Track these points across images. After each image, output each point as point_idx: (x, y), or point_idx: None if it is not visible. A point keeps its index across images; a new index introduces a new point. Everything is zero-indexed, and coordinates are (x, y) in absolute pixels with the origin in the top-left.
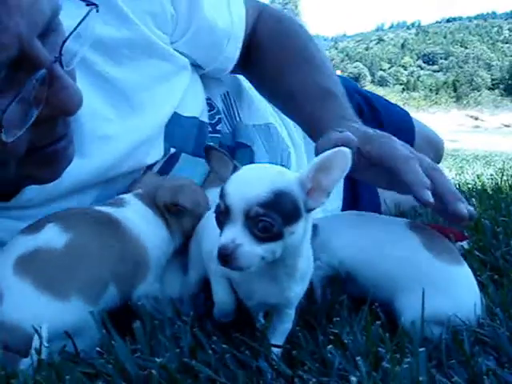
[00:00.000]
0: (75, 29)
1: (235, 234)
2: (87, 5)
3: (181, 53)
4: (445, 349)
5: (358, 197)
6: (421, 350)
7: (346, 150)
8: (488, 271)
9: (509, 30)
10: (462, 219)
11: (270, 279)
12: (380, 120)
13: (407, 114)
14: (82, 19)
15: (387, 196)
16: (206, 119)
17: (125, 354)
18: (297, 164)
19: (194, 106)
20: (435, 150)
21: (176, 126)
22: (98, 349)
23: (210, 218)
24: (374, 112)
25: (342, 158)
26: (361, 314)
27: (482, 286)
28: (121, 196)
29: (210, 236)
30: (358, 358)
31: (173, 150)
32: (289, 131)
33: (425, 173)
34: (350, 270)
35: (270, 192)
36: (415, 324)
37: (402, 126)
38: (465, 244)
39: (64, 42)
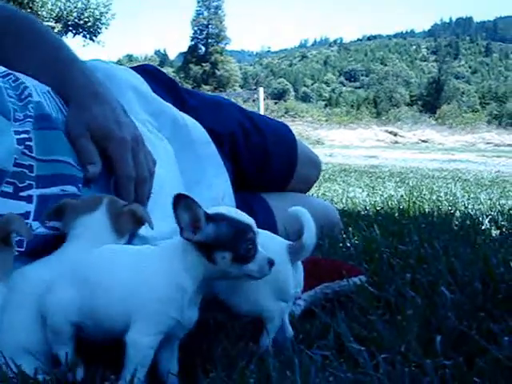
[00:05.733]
0: None
1: None
2: None
3: None
4: None
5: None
6: None
7: None
8: (381, 309)
9: (426, 48)
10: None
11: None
12: (264, 135)
13: (287, 126)
14: None
15: (287, 223)
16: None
17: None
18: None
19: None
20: (315, 166)
21: None
22: None
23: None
24: (258, 129)
25: None
26: (238, 371)
27: (371, 325)
28: None
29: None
30: None
31: None
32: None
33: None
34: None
35: None
36: None
37: (285, 139)
38: (357, 280)
39: None
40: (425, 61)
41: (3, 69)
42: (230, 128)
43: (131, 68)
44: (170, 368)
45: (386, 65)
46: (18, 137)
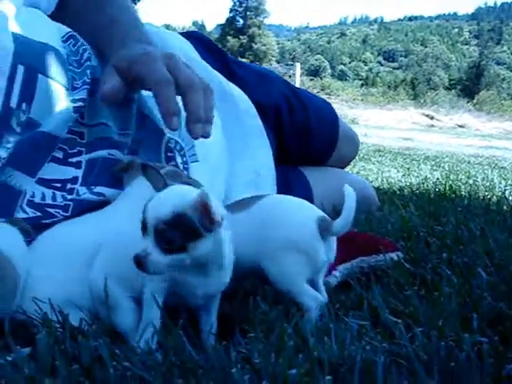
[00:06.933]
0: None
1: (147, 244)
2: None
3: None
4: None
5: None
6: (328, 378)
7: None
8: (417, 285)
9: (469, 31)
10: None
11: (205, 274)
12: (307, 111)
13: (329, 104)
14: None
15: (324, 198)
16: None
17: None
18: None
19: (44, 35)
20: (353, 144)
21: (22, 45)
22: None
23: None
24: (302, 104)
25: None
26: (277, 332)
27: (407, 300)
28: None
29: None
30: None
31: (21, 68)
32: None
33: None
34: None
35: (170, 214)
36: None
37: (327, 115)
38: (394, 256)
39: None
40: (466, 44)
41: (65, 30)
42: (275, 100)
43: (180, 34)
44: (209, 327)
45: (426, 46)
46: (75, 105)
